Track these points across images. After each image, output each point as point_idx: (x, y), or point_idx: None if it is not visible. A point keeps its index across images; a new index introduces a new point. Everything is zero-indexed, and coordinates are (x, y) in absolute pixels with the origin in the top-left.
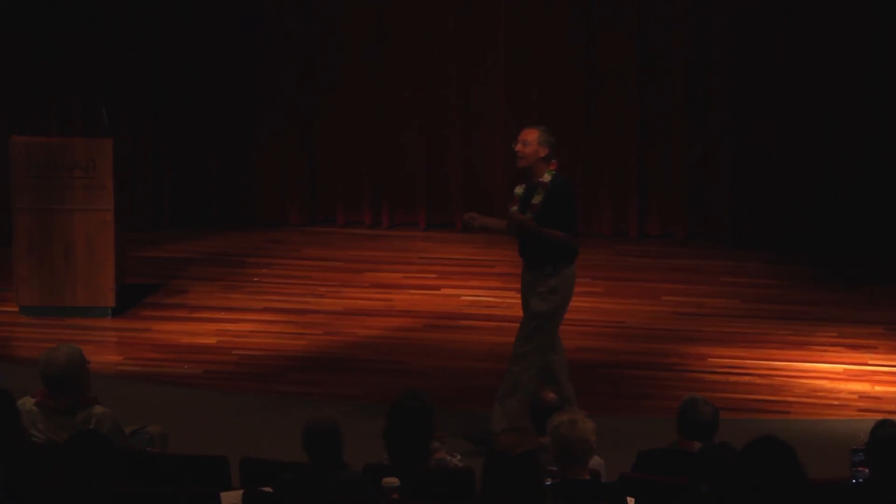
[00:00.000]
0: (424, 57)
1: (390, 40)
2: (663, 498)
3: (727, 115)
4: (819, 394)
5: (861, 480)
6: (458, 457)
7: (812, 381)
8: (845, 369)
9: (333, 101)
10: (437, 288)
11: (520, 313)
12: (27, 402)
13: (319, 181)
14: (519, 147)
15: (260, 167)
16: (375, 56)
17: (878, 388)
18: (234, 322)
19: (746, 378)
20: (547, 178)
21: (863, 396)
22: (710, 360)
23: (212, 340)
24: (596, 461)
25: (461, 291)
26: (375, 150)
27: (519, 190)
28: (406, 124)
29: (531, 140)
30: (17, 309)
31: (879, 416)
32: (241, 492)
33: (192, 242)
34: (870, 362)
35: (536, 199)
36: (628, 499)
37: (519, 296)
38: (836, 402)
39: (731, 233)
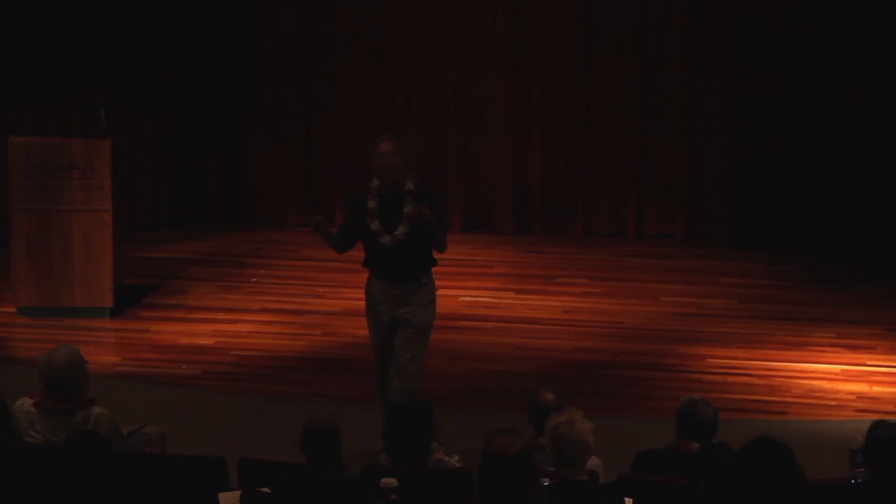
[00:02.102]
0: (423, 57)
1: (389, 40)
2: (661, 498)
3: (725, 116)
4: (817, 394)
5: (860, 481)
6: (457, 457)
7: (810, 381)
8: (843, 370)
9: (332, 102)
10: (436, 288)
11: (519, 313)
12: (25, 403)
13: (318, 181)
14: (389, 161)
15: (259, 168)
16: (374, 56)
17: (876, 389)
18: (232, 323)
19: (744, 378)
20: (411, 185)
21: (861, 397)
22: (708, 360)
23: (210, 341)
24: (594, 462)
25: (459, 292)
26: None
27: (373, 204)
28: (405, 124)
29: (399, 151)
30: (14, 309)
31: (877, 417)
32: (239, 492)
33: (190, 243)
34: (868, 363)
35: (409, 209)
36: (626, 499)
37: (517, 297)
38: (833, 403)
39: (729, 233)
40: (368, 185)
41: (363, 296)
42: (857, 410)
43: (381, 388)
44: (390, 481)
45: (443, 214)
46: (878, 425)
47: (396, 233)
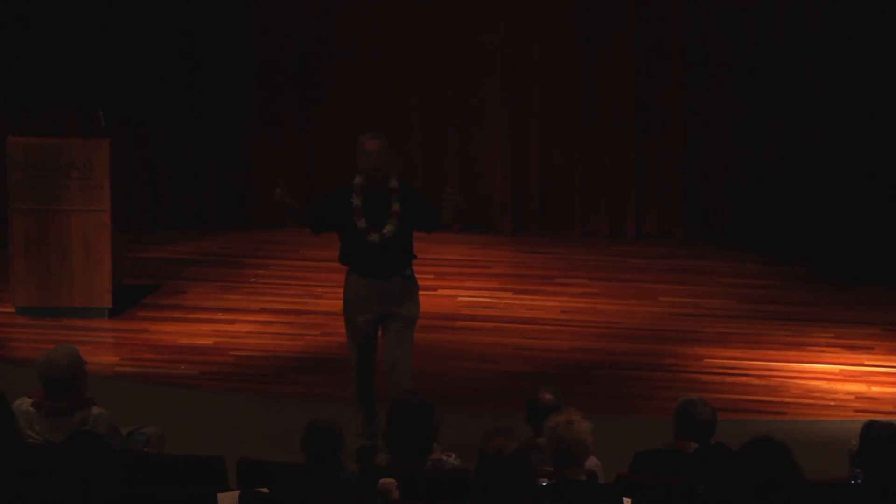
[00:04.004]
0: (422, 58)
1: (388, 42)
2: (660, 499)
3: (724, 116)
4: (816, 394)
5: (860, 482)
6: (454, 456)
7: (809, 381)
8: (842, 370)
9: (331, 102)
10: (434, 289)
11: (517, 314)
12: (24, 403)
13: (317, 182)
14: (376, 160)
15: (257, 168)
16: (373, 58)
17: (875, 389)
18: (230, 323)
19: (743, 379)
20: (394, 183)
21: (859, 397)
22: (706, 360)
23: (209, 341)
24: (593, 462)
25: (458, 292)
26: None
27: (358, 202)
28: (403, 125)
29: (383, 149)
30: (13, 310)
31: (876, 417)
32: (237, 493)
33: (189, 243)
34: (866, 363)
35: (396, 206)
36: (625, 499)
37: (516, 297)
38: (832, 403)
39: (728, 233)
40: (351, 182)
41: None
42: (855, 410)
43: (363, 390)
44: (389, 481)
45: (430, 204)
46: (870, 426)
47: (385, 231)
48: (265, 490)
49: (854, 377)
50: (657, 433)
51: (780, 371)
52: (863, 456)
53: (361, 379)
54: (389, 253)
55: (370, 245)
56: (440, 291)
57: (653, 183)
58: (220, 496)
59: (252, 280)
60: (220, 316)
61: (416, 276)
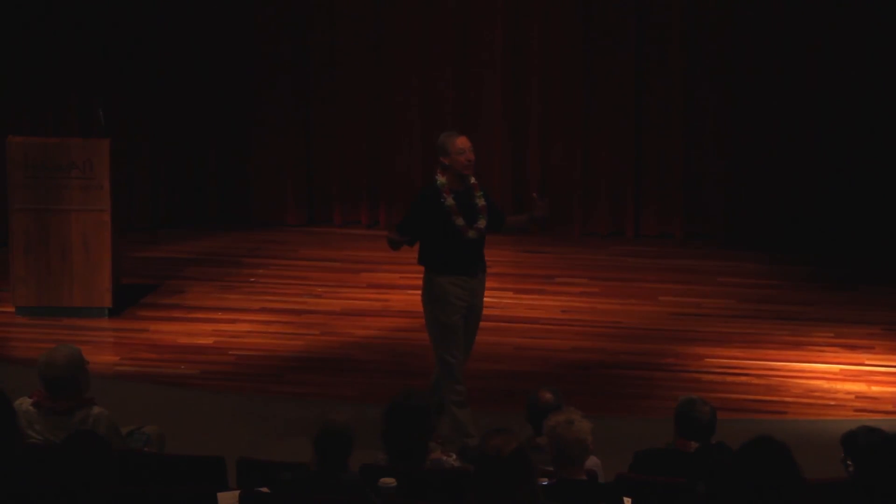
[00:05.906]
0: (421, 57)
1: (387, 41)
2: (660, 498)
3: (724, 116)
4: (816, 394)
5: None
6: (454, 456)
7: (809, 381)
8: (842, 370)
9: (330, 102)
10: None
11: (517, 313)
12: (24, 403)
13: (316, 181)
14: (471, 156)
15: (257, 167)
16: (372, 57)
17: (875, 389)
18: (230, 322)
19: (743, 378)
20: (474, 179)
21: (859, 397)
22: (706, 360)
23: (209, 341)
24: (593, 461)
25: None
26: (372, 151)
27: (451, 201)
28: (403, 124)
29: (471, 145)
30: (13, 309)
31: (876, 417)
32: (237, 492)
33: (189, 243)
34: (866, 362)
35: (482, 202)
36: (625, 499)
37: (516, 297)
38: (832, 403)
39: (728, 233)
40: (433, 183)
41: (360, 295)
42: (855, 410)
43: (464, 388)
44: (388, 481)
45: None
46: (852, 435)
47: (478, 225)
48: (265, 490)
49: (854, 377)
50: (657, 433)
51: (780, 370)
52: (857, 468)
53: (462, 377)
54: (477, 249)
55: (467, 242)
56: None
57: (652, 182)
58: (220, 496)
59: (252, 280)
60: (220, 316)
61: (417, 275)
